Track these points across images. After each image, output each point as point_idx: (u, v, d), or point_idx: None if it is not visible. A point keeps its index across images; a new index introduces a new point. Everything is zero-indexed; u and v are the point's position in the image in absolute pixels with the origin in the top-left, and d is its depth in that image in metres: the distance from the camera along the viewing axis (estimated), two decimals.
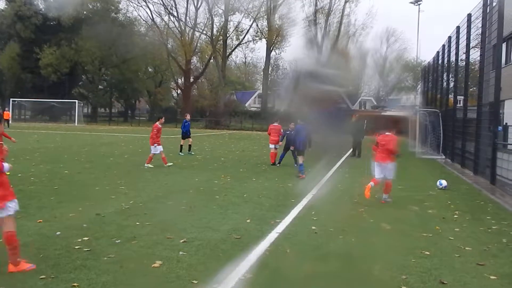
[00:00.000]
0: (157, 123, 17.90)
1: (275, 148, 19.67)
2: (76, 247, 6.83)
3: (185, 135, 23.48)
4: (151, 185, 12.92)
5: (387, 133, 11.80)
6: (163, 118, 18.64)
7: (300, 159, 15.85)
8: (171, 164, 17.64)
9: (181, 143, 23.70)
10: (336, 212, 10.15)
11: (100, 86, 77.36)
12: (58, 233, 7.57)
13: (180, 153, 22.99)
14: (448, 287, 5.82)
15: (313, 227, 8.58)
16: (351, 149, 24.97)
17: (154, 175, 15.11)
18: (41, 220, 8.39)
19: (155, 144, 17.38)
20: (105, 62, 71.80)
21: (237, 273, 5.97)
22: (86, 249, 6.72)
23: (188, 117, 24.76)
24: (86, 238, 7.27)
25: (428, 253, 7.20)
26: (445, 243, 7.89)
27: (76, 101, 63.74)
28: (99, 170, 15.72)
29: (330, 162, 21.21)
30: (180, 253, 6.73)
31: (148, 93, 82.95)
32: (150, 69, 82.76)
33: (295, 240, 7.70)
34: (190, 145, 23.61)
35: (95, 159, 19.29)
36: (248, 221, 8.92)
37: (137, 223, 8.40)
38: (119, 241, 7.21)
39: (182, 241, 7.33)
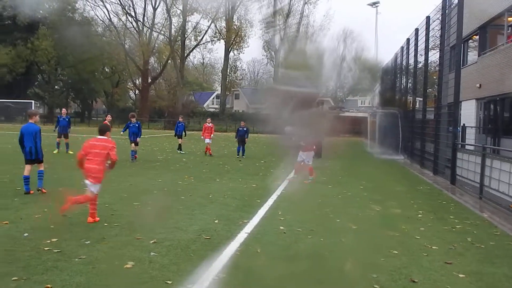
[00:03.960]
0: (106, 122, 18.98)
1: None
2: (46, 248, 6.69)
3: (180, 135, 25.46)
4: (115, 186, 12.72)
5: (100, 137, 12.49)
6: (110, 116, 21.53)
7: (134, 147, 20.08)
8: None
9: (179, 142, 25.58)
10: (302, 212, 10.22)
11: (56, 86, 75.51)
12: (26, 234, 7.41)
13: (180, 151, 25.13)
14: (419, 285, 5.95)
15: (281, 227, 8.63)
16: None
17: (117, 176, 14.85)
18: (7, 222, 8.19)
19: None
20: (61, 62, 70.05)
21: (211, 273, 5.96)
22: (56, 250, 6.58)
23: (181, 118, 26.61)
24: (54, 240, 7.12)
25: (396, 252, 7.34)
26: (412, 242, 8.07)
27: (32, 101, 61.95)
28: (61, 171, 15.39)
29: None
30: (151, 253, 6.67)
31: (105, 94, 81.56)
32: (107, 69, 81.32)
33: (264, 240, 7.73)
34: (180, 145, 25.49)
35: (55, 160, 18.86)
36: (216, 221, 8.92)
37: (105, 224, 8.29)
38: (88, 242, 7.09)
39: (152, 241, 7.27)
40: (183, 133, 25.44)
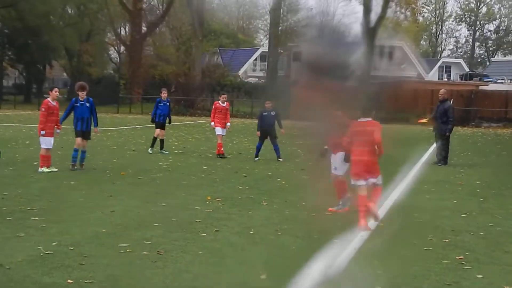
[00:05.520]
0: (49, 98, 19.47)
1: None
2: None
3: (159, 123, 25.53)
4: (86, 215, 12.87)
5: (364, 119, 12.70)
6: (57, 89, 20.24)
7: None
8: (55, 170, 19.08)
9: (155, 135, 25.63)
10: (414, 260, 10.13)
11: None
12: None
13: (162, 151, 25.37)
14: None
15: None
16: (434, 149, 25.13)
17: (89, 196, 15.05)
18: None
19: (43, 132, 18.83)
20: None
21: None
22: None
23: (164, 94, 26.58)
24: None
25: None
26: None
27: None
28: None
29: (397, 173, 21.18)
30: None
31: (67, 53, 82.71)
32: (71, 11, 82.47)
33: None
34: (162, 140, 25.49)
35: None
36: (263, 277, 8.89)
37: (70, 280, 8.35)
38: None
39: None
40: (167, 119, 25.82)
